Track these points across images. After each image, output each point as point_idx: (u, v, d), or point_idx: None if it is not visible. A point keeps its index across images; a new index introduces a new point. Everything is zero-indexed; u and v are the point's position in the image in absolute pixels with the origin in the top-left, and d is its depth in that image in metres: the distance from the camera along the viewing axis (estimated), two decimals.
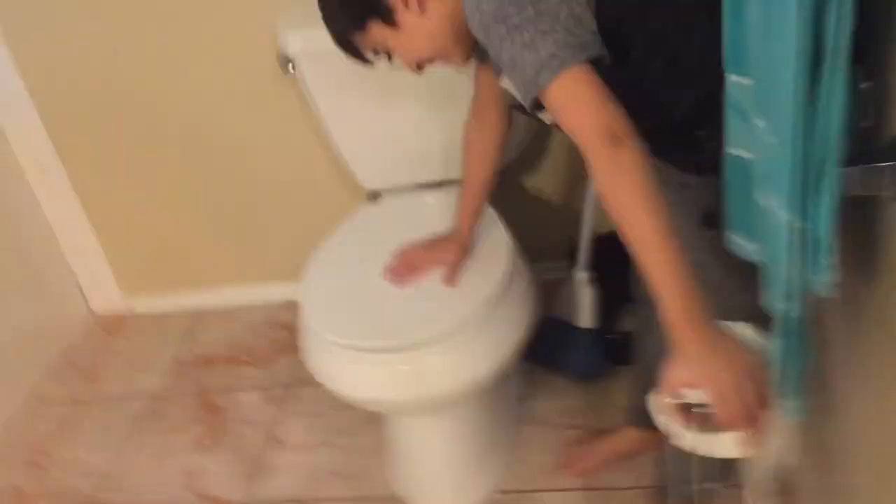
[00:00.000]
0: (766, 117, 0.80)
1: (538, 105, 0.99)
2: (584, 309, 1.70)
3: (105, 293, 2.24)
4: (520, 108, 1.23)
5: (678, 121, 1.12)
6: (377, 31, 1.14)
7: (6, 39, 1.86)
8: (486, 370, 1.37)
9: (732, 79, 0.94)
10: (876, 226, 0.79)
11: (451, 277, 1.41)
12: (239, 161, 2.00)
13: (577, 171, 1.91)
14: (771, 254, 0.82)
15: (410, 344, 1.32)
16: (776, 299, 0.80)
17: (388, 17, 1.12)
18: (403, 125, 1.64)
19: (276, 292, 2.18)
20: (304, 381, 1.88)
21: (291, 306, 2.13)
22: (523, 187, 1.95)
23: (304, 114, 1.87)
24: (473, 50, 1.18)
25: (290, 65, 1.61)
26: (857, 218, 0.80)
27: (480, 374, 1.37)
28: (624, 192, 0.91)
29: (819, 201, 0.70)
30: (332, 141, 1.71)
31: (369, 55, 1.20)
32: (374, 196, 1.79)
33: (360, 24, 1.14)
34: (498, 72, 1.18)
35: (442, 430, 1.53)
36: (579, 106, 0.94)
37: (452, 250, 1.43)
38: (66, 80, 1.90)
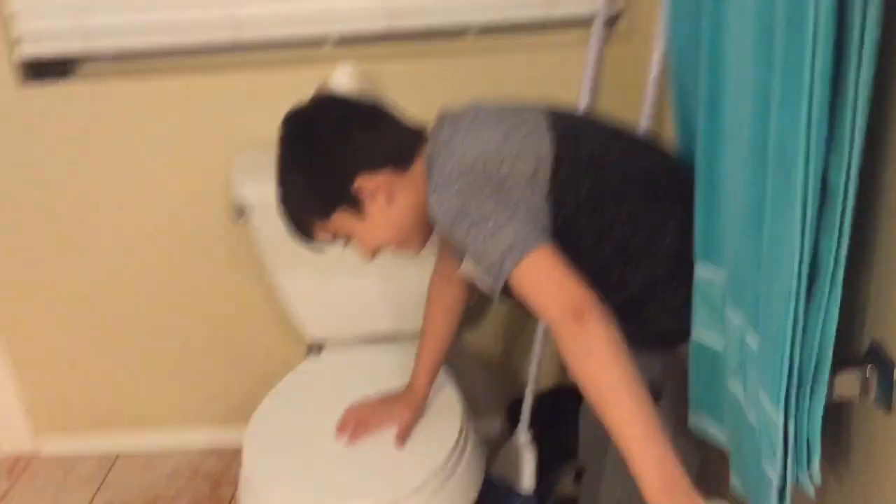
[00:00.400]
0: (745, 315, 0.85)
1: (506, 290, 1.02)
2: (526, 472, 1.68)
3: (12, 430, 2.09)
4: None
5: (626, 299, 1.17)
6: (340, 220, 1.18)
7: None
8: None
9: (702, 269, 1.00)
10: (850, 424, 0.83)
11: (403, 437, 1.39)
12: (169, 301, 1.95)
13: (514, 328, 1.95)
14: (747, 443, 0.85)
15: None
16: (762, 492, 0.82)
17: (355, 207, 1.16)
18: (352, 278, 1.65)
19: (196, 439, 2.10)
20: None
21: (213, 454, 2.06)
22: (461, 342, 1.96)
23: (243, 260, 1.87)
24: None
25: (242, 213, 1.61)
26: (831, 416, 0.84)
27: None
28: (594, 366, 0.92)
29: (813, 405, 0.73)
30: (278, 290, 1.70)
31: (324, 240, 1.23)
32: (315, 347, 1.78)
33: (325, 213, 1.17)
34: (459, 256, 1.23)
35: None
36: (542, 287, 0.98)
37: (406, 409, 1.41)
38: None
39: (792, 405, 0.74)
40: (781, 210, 0.70)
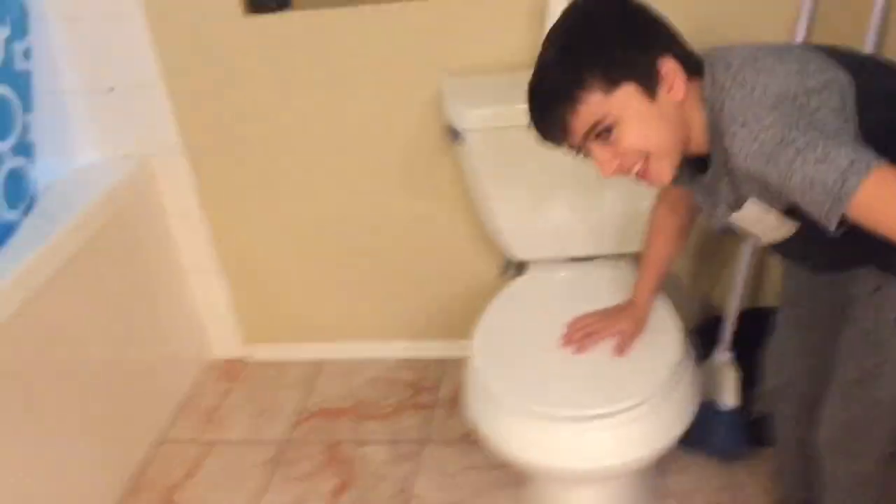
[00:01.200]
0: None
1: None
2: (727, 389, 1.73)
3: (226, 338, 2.29)
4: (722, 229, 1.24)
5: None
6: (623, 98, 1.07)
7: (171, 92, 1.95)
8: (654, 452, 1.40)
9: None
10: None
11: (624, 348, 1.45)
12: (375, 220, 2.07)
13: (706, 252, 1.97)
14: None
15: (589, 415, 1.36)
16: None
17: (648, 86, 1.07)
18: (560, 201, 1.71)
19: (395, 349, 2.24)
20: (433, 440, 1.94)
21: (410, 365, 2.20)
22: None
23: (446, 183, 1.96)
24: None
25: (457, 136, 1.68)
26: None
27: (648, 454, 1.40)
28: None
29: None
30: (487, 210, 1.77)
31: (574, 131, 1.09)
32: (510, 266, 1.86)
33: (615, 78, 1.06)
34: (723, 204, 1.16)
35: (588, 501, 1.56)
36: None
37: (631, 322, 1.47)
38: (221, 130, 1.99)
39: None
40: None
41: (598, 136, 1.10)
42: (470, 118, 1.64)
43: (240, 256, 2.17)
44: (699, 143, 1.13)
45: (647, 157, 1.11)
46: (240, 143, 2.00)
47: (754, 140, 1.00)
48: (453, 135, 1.69)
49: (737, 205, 1.14)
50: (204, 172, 2.05)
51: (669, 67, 1.08)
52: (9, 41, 1.74)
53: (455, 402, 2.03)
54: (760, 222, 1.16)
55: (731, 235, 1.28)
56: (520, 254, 1.81)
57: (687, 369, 1.46)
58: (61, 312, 1.77)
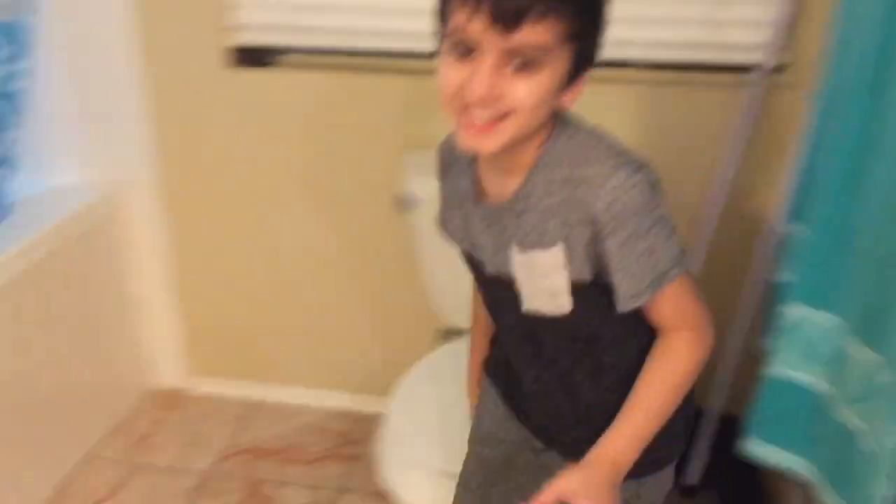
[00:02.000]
0: (881, 353, 0.97)
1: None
2: None
3: (170, 368, 2.37)
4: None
5: None
6: (562, 58, 0.96)
7: (154, 129, 2.08)
8: None
9: (801, 311, 1.11)
10: None
11: None
12: (328, 275, 2.18)
13: None
14: (862, 466, 0.97)
15: None
16: None
17: (573, 75, 1.00)
18: None
19: (333, 399, 2.32)
20: (353, 490, 2.01)
21: (345, 416, 2.28)
22: None
23: (400, 246, 2.07)
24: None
25: (408, 205, 1.80)
26: None
27: None
28: (695, 365, 1.04)
29: None
30: (427, 276, 1.88)
31: (519, 31, 0.91)
32: (447, 334, 1.96)
33: (573, 39, 0.96)
34: (515, 243, 1.09)
35: None
36: (692, 298, 1.05)
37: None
38: (197, 171, 2.11)
39: None
40: None
41: (522, 64, 0.95)
42: (420, 189, 1.77)
43: (195, 292, 2.26)
44: (520, 159, 1.06)
45: (506, 115, 0.98)
46: (212, 186, 2.12)
47: (628, 190, 0.98)
48: (406, 203, 1.82)
49: (538, 244, 1.07)
50: (173, 208, 2.17)
51: (585, 81, 1.03)
52: (10, 60, 1.87)
53: None
54: (544, 278, 1.08)
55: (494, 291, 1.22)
56: (454, 320, 1.91)
57: None
58: (7, 323, 1.84)
